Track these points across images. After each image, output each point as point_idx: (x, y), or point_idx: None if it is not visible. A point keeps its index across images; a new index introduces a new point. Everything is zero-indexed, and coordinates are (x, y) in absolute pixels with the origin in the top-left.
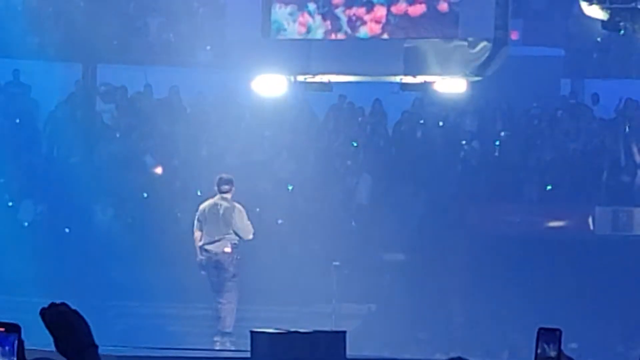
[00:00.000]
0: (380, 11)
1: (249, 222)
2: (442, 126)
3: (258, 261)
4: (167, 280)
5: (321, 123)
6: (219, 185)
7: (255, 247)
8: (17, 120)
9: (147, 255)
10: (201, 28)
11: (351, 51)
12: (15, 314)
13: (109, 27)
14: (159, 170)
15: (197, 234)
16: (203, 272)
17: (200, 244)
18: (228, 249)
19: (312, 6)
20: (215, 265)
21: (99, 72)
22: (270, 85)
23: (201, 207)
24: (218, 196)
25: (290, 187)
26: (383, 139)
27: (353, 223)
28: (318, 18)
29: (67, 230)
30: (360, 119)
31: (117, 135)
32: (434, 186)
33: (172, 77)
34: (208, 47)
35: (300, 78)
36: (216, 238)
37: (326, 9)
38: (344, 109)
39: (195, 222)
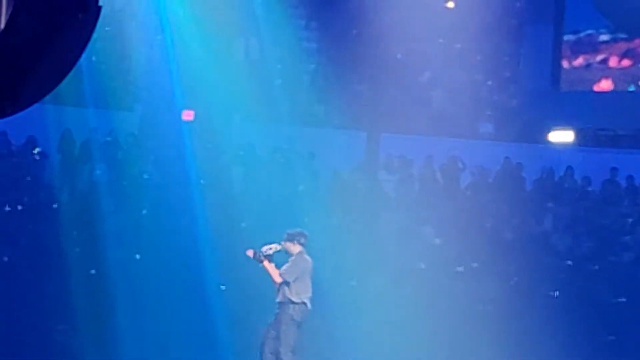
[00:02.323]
0: None
1: None
2: None
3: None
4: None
5: (597, 195)
6: (299, 238)
7: (525, 319)
8: (300, 187)
9: (423, 326)
10: (483, 100)
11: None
12: None
13: (393, 97)
14: (437, 241)
15: (293, 284)
16: (296, 329)
17: (303, 299)
18: None
19: None
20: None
21: (382, 142)
22: (561, 137)
23: (307, 261)
24: (302, 250)
25: (569, 262)
26: None
27: (624, 299)
28: None
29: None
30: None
31: (399, 205)
32: None
33: (453, 148)
34: (489, 118)
35: (589, 131)
36: (310, 294)
37: None
38: (618, 182)
39: (297, 273)
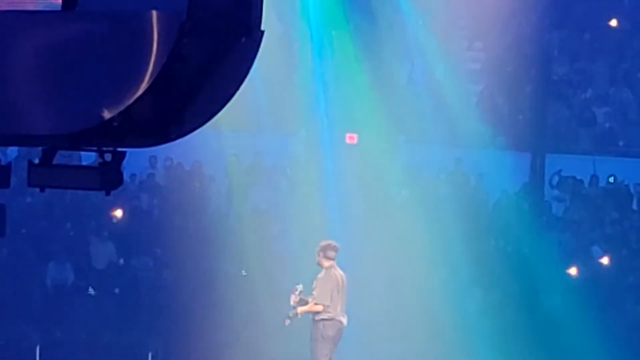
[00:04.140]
0: None
1: None
2: None
3: None
4: None
5: None
6: (328, 251)
7: None
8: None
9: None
10: None
11: None
12: None
13: (558, 117)
14: (605, 260)
15: (330, 303)
16: (329, 345)
17: (332, 315)
18: None
19: None
20: (340, 336)
21: (547, 162)
22: None
23: (335, 277)
24: (333, 264)
25: None
26: None
27: None
28: None
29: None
30: None
31: (567, 225)
32: None
33: (617, 167)
34: None
35: None
36: (344, 308)
37: None
38: None
39: (330, 292)
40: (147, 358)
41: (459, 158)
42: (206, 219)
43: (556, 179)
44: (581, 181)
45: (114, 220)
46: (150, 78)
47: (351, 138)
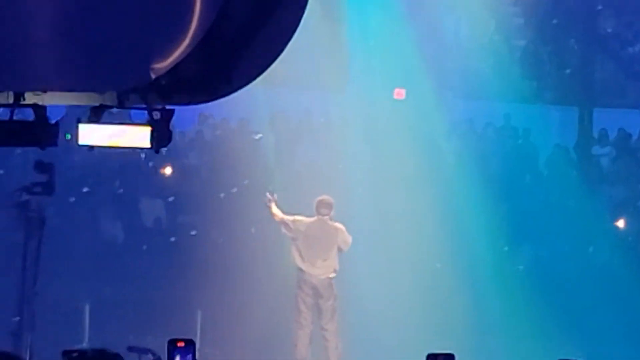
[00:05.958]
0: None
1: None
2: None
3: None
4: None
5: None
6: (318, 209)
7: None
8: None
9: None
10: None
11: None
12: None
13: (604, 71)
14: None
15: (296, 255)
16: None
17: (299, 265)
18: (332, 274)
19: None
20: (314, 289)
21: (595, 116)
22: None
23: (314, 227)
24: (317, 218)
25: None
26: None
27: None
28: None
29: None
30: None
31: (617, 179)
32: None
33: None
34: None
35: None
36: (318, 262)
37: None
38: None
39: (294, 226)
40: (197, 315)
41: (507, 113)
42: (254, 176)
43: (604, 132)
44: (629, 135)
45: (163, 178)
46: (198, 36)
47: (399, 94)
